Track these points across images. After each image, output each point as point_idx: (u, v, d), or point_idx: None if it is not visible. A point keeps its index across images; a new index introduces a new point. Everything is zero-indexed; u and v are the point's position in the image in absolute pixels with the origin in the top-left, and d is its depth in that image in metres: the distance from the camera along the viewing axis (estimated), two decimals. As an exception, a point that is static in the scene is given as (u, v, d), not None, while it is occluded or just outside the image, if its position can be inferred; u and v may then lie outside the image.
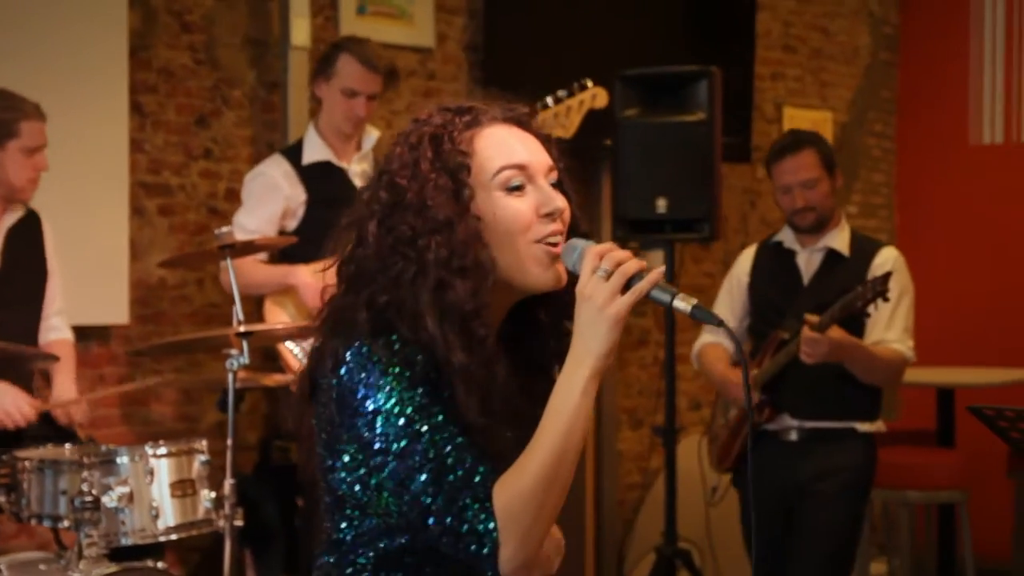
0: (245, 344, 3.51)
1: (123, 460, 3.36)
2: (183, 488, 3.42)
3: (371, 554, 1.88)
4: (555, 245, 1.87)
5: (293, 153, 4.32)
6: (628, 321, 1.81)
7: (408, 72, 5.13)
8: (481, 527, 1.76)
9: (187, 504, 3.44)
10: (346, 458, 1.84)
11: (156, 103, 4.53)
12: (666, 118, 4.65)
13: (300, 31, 4.74)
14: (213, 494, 3.48)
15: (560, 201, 1.89)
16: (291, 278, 4.12)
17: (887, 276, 3.76)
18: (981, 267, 6.69)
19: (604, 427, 5.64)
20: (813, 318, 3.82)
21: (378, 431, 1.79)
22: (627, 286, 1.79)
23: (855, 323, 3.95)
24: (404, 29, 5.11)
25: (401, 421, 1.79)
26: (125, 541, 3.33)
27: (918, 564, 5.83)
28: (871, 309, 3.84)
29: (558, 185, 1.92)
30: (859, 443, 4.06)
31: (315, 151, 4.30)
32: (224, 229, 3.63)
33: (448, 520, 1.77)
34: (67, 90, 4.19)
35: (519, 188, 1.87)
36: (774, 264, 4.21)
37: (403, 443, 1.78)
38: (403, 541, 1.86)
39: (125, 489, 3.30)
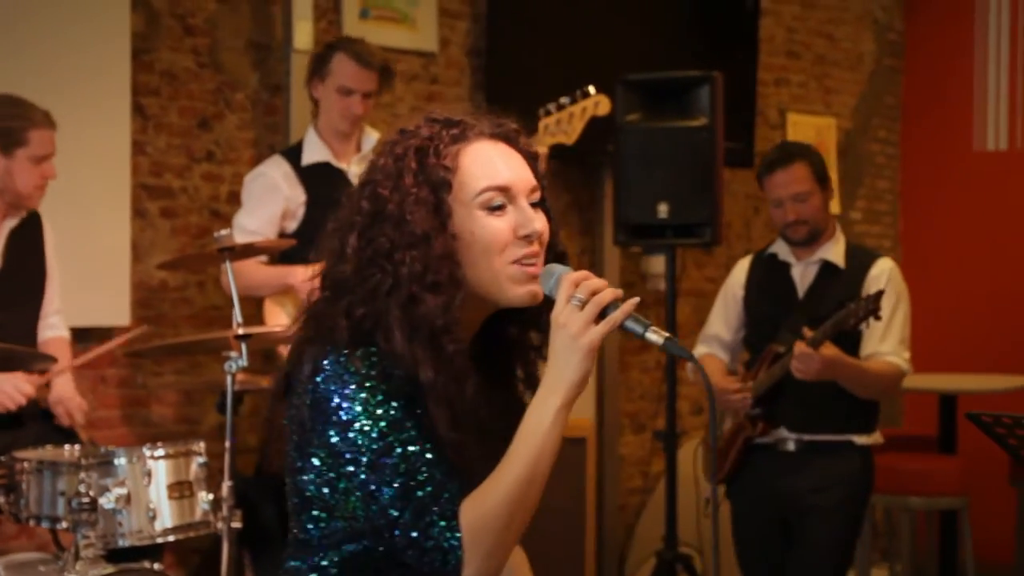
0: (244, 347, 3.51)
1: (121, 461, 3.37)
2: (180, 490, 3.43)
3: (336, 558, 1.90)
4: (532, 266, 1.88)
5: (293, 154, 4.33)
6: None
7: (411, 76, 5.13)
8: (446, 544, 1.78)
9: (184, 506, 3.45)
10: (316, 462, 1.86)
11: (159, 106, 4.54)
12: (668, 123, 4.64)
13: (303, 35, 4.75)
14: (211, 496, 3.48)
15: (539, 223, 1.89)
16: (290, 278, 4.12)
17: (879, 295, 3.75)
18: (985, 273, 6.67)
19: (606, 431, 5.63)
20: (810, 332, 3.80)
21: (350, 442, 1.81)
22: (602, 315, 1.80)
23: (851, 335, 3.92)
24: (407, 33, 5.11)
25: (374, 434, 1.80)
26: (122, 542, 3.34)
27: (919, 570, 5.82)
28: (863, 326, 3.84)
29: (540, 204, 1.93)
30: (856, 456, 4.04)
31: (314, 152, 4.30)
32: (223, 232, 3.64)
33: (414, 534, 1.79)
34: (70, 92, 4.20)
35: (500, 208, 1.88)
36: (769, 277, 4.18)
37: (374, 456, 1.79)
38: (368, 545, 1.87)
39: (122, 490, 3.31)
